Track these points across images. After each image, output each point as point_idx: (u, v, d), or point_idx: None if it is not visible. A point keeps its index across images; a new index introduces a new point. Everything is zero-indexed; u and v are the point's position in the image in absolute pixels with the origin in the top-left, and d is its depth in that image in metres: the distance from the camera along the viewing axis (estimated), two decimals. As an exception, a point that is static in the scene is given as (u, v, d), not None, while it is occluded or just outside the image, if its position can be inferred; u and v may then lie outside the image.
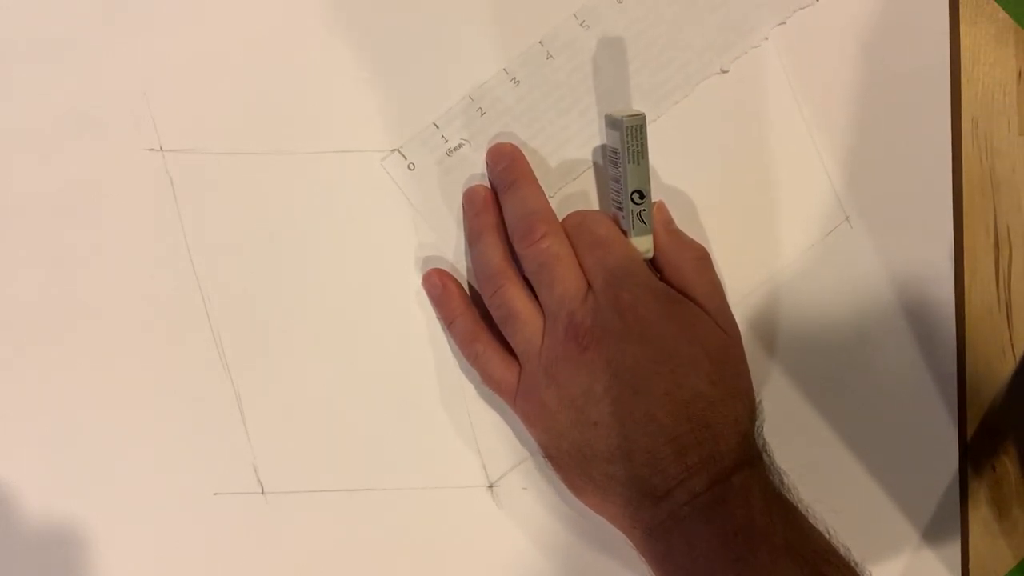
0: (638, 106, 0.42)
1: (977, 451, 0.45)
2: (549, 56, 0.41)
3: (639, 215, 0.39)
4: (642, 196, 0.38)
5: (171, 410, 0.40)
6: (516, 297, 0.38)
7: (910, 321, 0.44)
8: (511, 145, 0.40)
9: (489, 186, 0.41)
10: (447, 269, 0.41)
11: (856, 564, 0.36)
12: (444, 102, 0.41)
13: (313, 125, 0.40)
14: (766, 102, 0.43)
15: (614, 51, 0.42)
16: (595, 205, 0.42)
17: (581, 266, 0.38)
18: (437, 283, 0.40)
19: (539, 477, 0.42)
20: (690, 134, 0.42)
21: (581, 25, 0.41)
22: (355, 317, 0.41)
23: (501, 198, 0.40)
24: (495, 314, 0.39)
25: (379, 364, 0.41)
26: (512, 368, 0.39)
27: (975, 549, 0.45)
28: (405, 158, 0.41)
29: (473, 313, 0.40)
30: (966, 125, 0.44)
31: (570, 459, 0.37)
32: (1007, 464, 0.46)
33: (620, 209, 0.39)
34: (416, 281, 0.41)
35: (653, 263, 0.40)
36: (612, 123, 0.39)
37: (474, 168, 0.41)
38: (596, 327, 0.36)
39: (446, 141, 0.41)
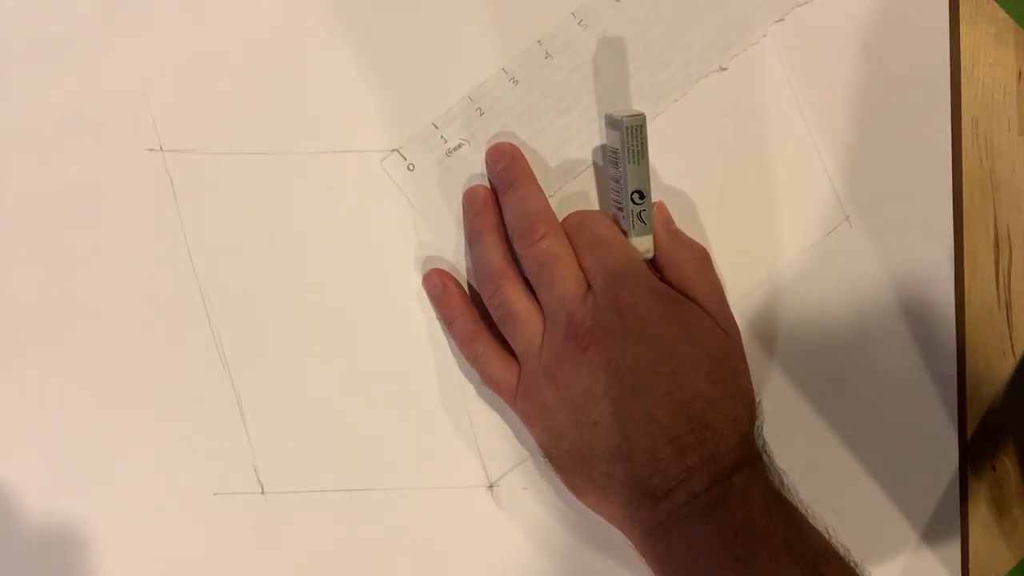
0: (637, 105, 0.42)
1: (977, 451, 0.45)
2: (548, 56, 0.41)
3: (639, 215, 0.39)
4: (642, 196, 0.38)
5: (171, 410, 0.40)
6: (516, 297, 0.38)
7: (910, 321, 0.44)
8: (511, 145, 0.40)
9: (489, 186, 0.41)
10: (447, 269, 0.41)
11: (856, 564, 0.36)
12: (443, 102, 0.41)
13: (313, 125, 0.40)
14: (765, 101, 0.43)
15: (613, 50, 0.42)
16: (595, 205, 0.42)
17: (581, 266, 0.38)
18: (437, 283, 0.40)
19: (539, 477, 0.42)
20: (690, 133, 0.42)
21: (580, 24, 0.41)
22: (355, 317, 0.41)
23: (501, 198, 0.40)
24: (495, 314, 0.39)
25: (379, 364, 0.41)
26: (512, 368, 0.39)
27: (975, 549, 0.45)
28: (405, 158, 0.41)
29: (473, 313, 0.40)
30: (966, 125, 0.44)
31: (570, 459, 0.37)
32: (1007, 464, 0.46)
33: (620, 209, 0.39)
34: (416, 281, 0.41)
35: (653, 263, 0.40)
36: (612, 123, 0.39)
37: (474, 168, 0.41)
38: (596, 327, 0.36)
39: (446, 141, 0.41)
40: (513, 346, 0.39)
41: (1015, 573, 0.46)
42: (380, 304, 0.41)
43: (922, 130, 0.44)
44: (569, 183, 0.42)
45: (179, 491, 0.40)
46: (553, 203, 0.40)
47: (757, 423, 0.38)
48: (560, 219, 0.39)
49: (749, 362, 0.39)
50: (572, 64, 0.41)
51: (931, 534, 0.45)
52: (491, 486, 0.42)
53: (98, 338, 0.39)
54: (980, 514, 0.45)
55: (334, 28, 0.40)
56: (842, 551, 0.36)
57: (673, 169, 0.42)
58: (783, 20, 0.43)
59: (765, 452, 0.37)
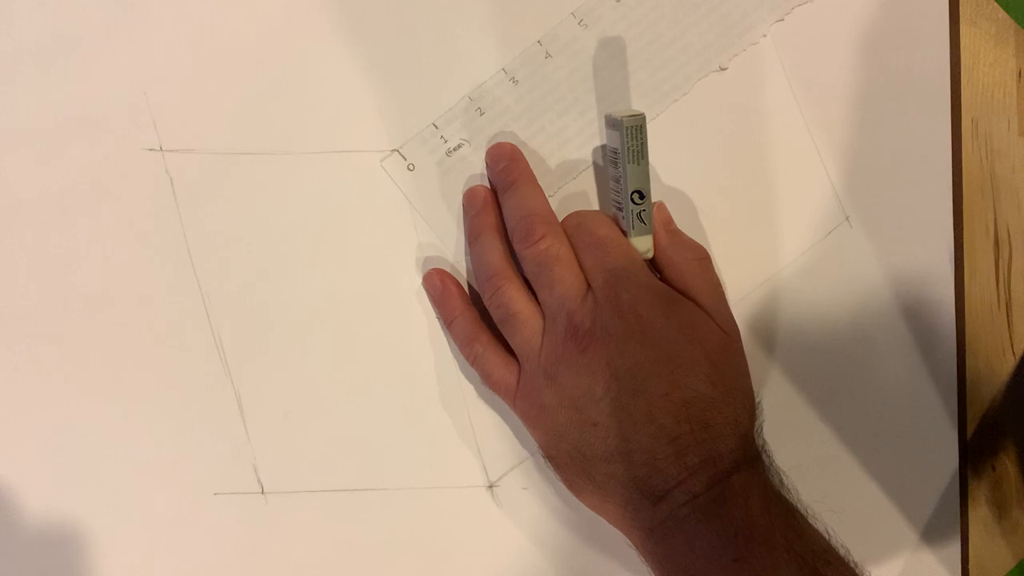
0: (637, 105, 0.42)
1: (977, 451, 0.45)
2: (548, 56, 0.41)
3: (639, 215, 0.39)
4: (642, 196, 0.38)
5: (171, 410, 0.40)
6: (515, 298, 0.38)
7: (910, 321, 0.44)
8: (510, 145, 0.40)
9: (489, 186, 0.41)
10: (447, 269, 0.41)
11: (856, 564, 0.36)
12: (444, 102, 0.41)
13: (313, 125, 0.40)
14: (765, 100, 0.43)
15: (613, 50, 0.42)
16: (595, 205, 0.42)
17: (581, 267, 0.38)
18: (437, 283, 0.40)
19: (539, 477, 0.42)
20: (690, 133, 0.42)
21: (580, 24, 0.41)
22: (355, 317, 0.41)
23: (501, 198, 0.40)
24: (494, 314, 0.39)
25: (379, 364, 0.41)
26: (512, 368, 0.39)
27: (975, 549, 0.45)
28: (405, 158, 0.41)
29: (473, 313, 0.40)
30: (966, 125, 0.44)
31: (570, 459, 0.37)
32: (1007, 464, 0.46)
33: (620, 209, 0.39)
34: (416, 281, 0.41)
35: (653, 263, 0.40)
36: (612, 123, 0.39)
37: (474, 168, 0.41)
38: (596, 328, 0.36)
39: (445, 141, 0.41)
40: (513, 346, 0.39)
41: (1015, 573, 0.46)
42: (380, 304, 0.41)
43: (922, 130, 0.44)
44: (569, 183, 0.42)
45: (179, 491, 0.40)
46: (553, 203, 0.40)
47: (757, 423, 0.38)
48: (560, 219, 0.39)
49: (749, 362, 0.39)
50: (572, 64, 0.41)
51: (931, 534, 0.45)
52: (491, 486, 0.42)
53: (98, 338, 0.39)
54: (980, 514, 0.45)
55: (334, 28, 0.40)
56: (842, 551, 0.36)
57: (673, 169, 0.42)
58: (783, 20, 0.43)
59: (765, 452, 0.37)
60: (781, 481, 0.37)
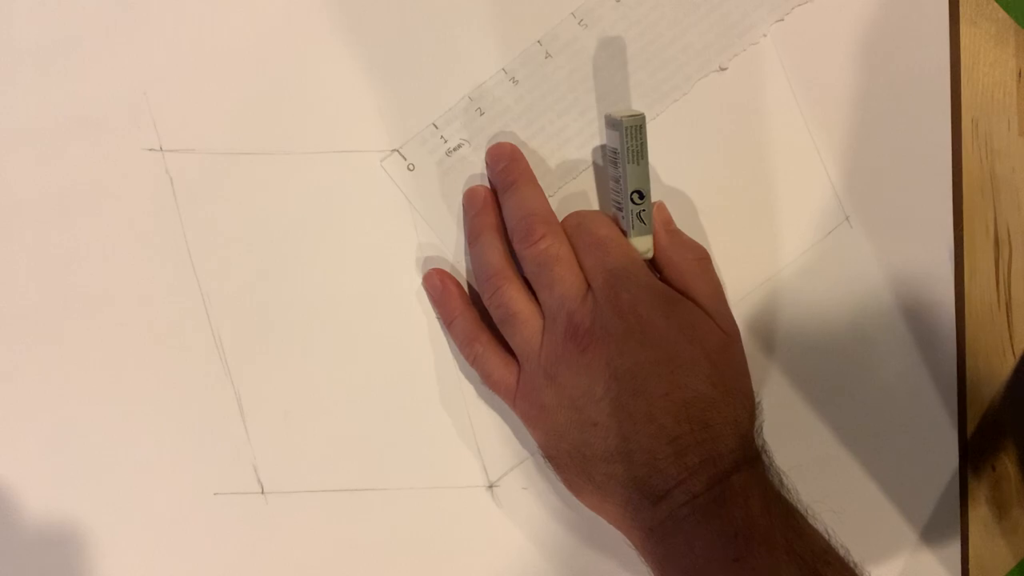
0: (637, 104, 0.42)
1: (977, 451, 0.45)
2: (548, 56, 0.41)
3: (639, 215, 0.39)
4: (642, 196, 0.38)
5: (171, 410, 0.40)
6: (515, 298, 0.38)
7: (910, 321, 0.44)
8: (510, 145, 0.40)
9: (489, 186, 0.41)
10: (447, 269, 0.41)
11: (855, 565, 0.36)
12: (444, 102, 0.41)
13: (313, 125, 0.40)
14: (765, 100, 0.43)
15: (613, 50, 0.42)
16: (595, 205, 0.42)
17: (581, 267, 0.38)
18: (437, 283, 0.40)
19: (539, 477, 0.42)
20: (690, 133, 0.42)
21: (580, 24, 0.41)
22: (355, 317, 0.41)
23: (501, 198, 0.40)
24: (494, 314, 0.39)
25: (379, 364, 0.41)
26: (511, 368, 0.39)
27: (975, 549, 0.45)
28: (405, 158, 0.41)
29: (473, 313, 0.40)
30: (966, 125, 0.44)
31: (570, 459, 0.37)
32: (1007, 464, 0.46)
33: (620, 209, 0.39)
34: (416, 281, 0.41)
35: (653, 263, 0.40)
36: (612, 123, 0.39)
37: (474, 168, 0.41)
38: (595, 328, 0.36)
39: (445, 141, 0.41)
40: (513, 346, 0.39)
41: (1015, 573, 0.46)
42: (380, 304, 0.41)
43: (922, 130, 0.44)
44: (569, 183, 0.42)
45: (179, 491, 0.40)
46: (553, 203, 0.40)
47: (757, 423, 0.38)
48: (560, 219, 0.39)
49: (749, 362, 0.39)
50: (572, 64, 0.41)
51: (931, 534, 0.45)
52: (491, 486, 0.42)
53: (98, 338, 0.39)
54: (980, 514, 0.45)
55: (334, 28, 0.40)
56: (842, 551, 0.36)
57: (673, 169, 0.42)
58: (783, 20, 0.43)
59: (765, 452, 0.37)
60: (781, 481, 0.37)
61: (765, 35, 0.43)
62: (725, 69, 0.43)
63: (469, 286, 0.41)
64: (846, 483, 0.44)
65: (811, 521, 0.36)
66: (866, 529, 0.44)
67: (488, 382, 0.40)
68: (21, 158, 0.39)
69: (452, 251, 0.41)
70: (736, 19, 0.42)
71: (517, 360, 0.39)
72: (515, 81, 0.41)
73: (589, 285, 0.37)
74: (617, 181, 0.39)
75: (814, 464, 0.43)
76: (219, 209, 0.40)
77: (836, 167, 0.43)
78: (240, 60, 0.39)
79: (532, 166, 0.40)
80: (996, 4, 0.44)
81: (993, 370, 0.45)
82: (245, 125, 0.40)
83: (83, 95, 0.39)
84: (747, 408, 0.37)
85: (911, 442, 0.44)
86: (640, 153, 0.38)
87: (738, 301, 0.43)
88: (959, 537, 0.45)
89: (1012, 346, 0.45)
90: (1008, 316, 0.45)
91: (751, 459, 0.36)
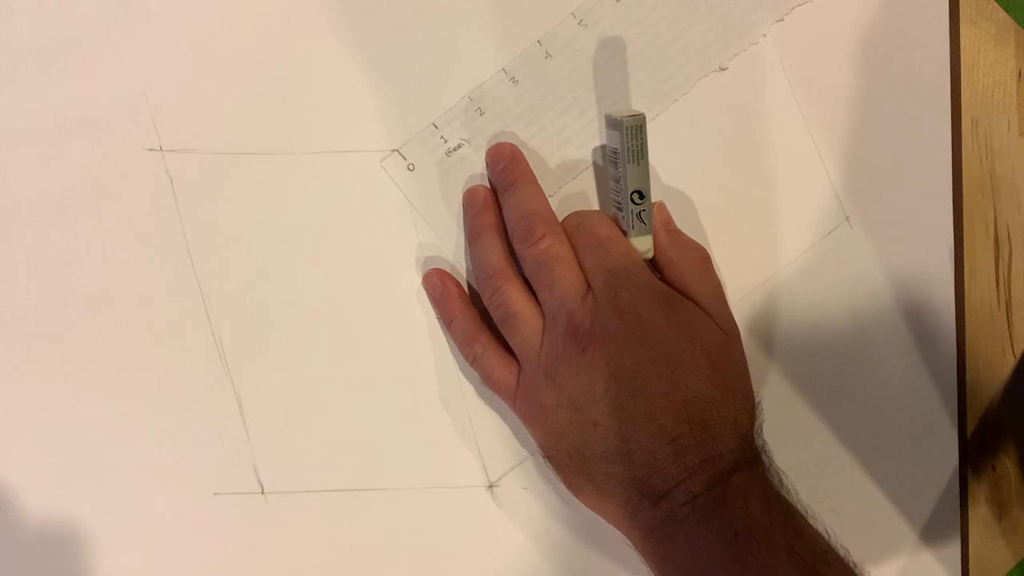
0: (637, 104, 0.42)
1: (977, 451, 0.45)
2: (548, 56, 0.41)
3: (639, 215, 0.39)
4: (642, 196, 0.38)
5: (171, 410, 0.40)
6: (515, 297, 0.38)
7: (910, 321, 0.44)
8: (511, 145, 0.40)
9: (489, 186, 0.41)
10: (447, 269, 0.41)
11: (855, 565, 0.36)
12: (444, 102, 0.41)
13: (313, 125, 0.40)
14: (765, 100, 0.43)
15: (613, 50, 0.42)
16: (595, 205, 0.42)
17: (581, 267, 0.38)
18: (437, 283, 0.40)
19: (539, 477, 0.42)
20: (690, 133, 0.42)
21: (580, 24, 0.41)
22: (355, 317, 0.41)
23: (501, 198, 0.40)
24: (494, 314, 0.39)
25: (379, 364, 0.41)
26: (511, 368, 0.39)
27: (975, 549, 0.45)
28: (405, 158, 0.41)
29: (473, 313, 0.40)
30: (966, 125, 0.44)
31: (569, 459, 0.37)
32: (1007, 464, 0.46)
33: (620, 209, 0.39)
34: (416, 281, 0.41)
35: (653, 263, 0.40)
36: (612, 123, 0.39)
37: (474, 168, 0.41)
38: (595, 328, 0.36)
39: (445, 141, 0.41)
40: (513, 346, 0.39)
41: (1015, 573, 0.46)
42: (380, 304, 0.41)
43: (922, 130, 0.44)
44: (569, 183, 0.42)
45: (179, 491, 0.40)
46: (553, 203, 0.40)
47: (757, 423, 0.38)
48: (560, 219, 0.39)
49: (749, 362, 0.39)
50: (572, 64, 0.41)
51: (931, 534, 0.45)
52: (491, 486, 0.42)
53: (98, 338, 0.39)
54: (980, 514, 0.45)
55: (334, 28, 0.40)
56: (842, 551, 0.36)
57: (673, 169, 0.42)
58: (783, 20, 0.43)
59: (765, 452, 0.37)
60: (781, 481, 0.37)
61: (765, 35, 0.43)
62: (725, 69, 0.43)
63: (469, 286, 0.41)
64: (846, 483, 0.44)
65: (811, 521, 0.36)
66: (866, 529, 0.44)
67: (488, 382, 0.40)
68: (21, 158, 0.39)
69: (452, 251, 0.41)
70: (736, 19, 0.42)
71: (517, 360, 0.39)
72: (515, 81, 0.41)
73: (589, 285, 0.37)
74: (617, 181, 0.39)
75: (814, 464, 0.43)
76: (219, 209, 0.40)
77: (836, 167, 0.43)
78: (240, 60, 0.39)
79: (532, 166, 0.40)
80: (996, 4, 0.44)
81: (993, 370, 0.45)
82: (245, 125, 0.40)
83: (83, 95, 0.39)
84: (747, 408, 0.37)
85: (911, 442, 0.44)
86: (640, 153, 0.38)
87: (738, 301, 0.43)
88: (959, 537, 0.45)
89: (1012, 346, 0.45)
90: (1008, 316, 0.45)
91: (751, 459, 0.36)
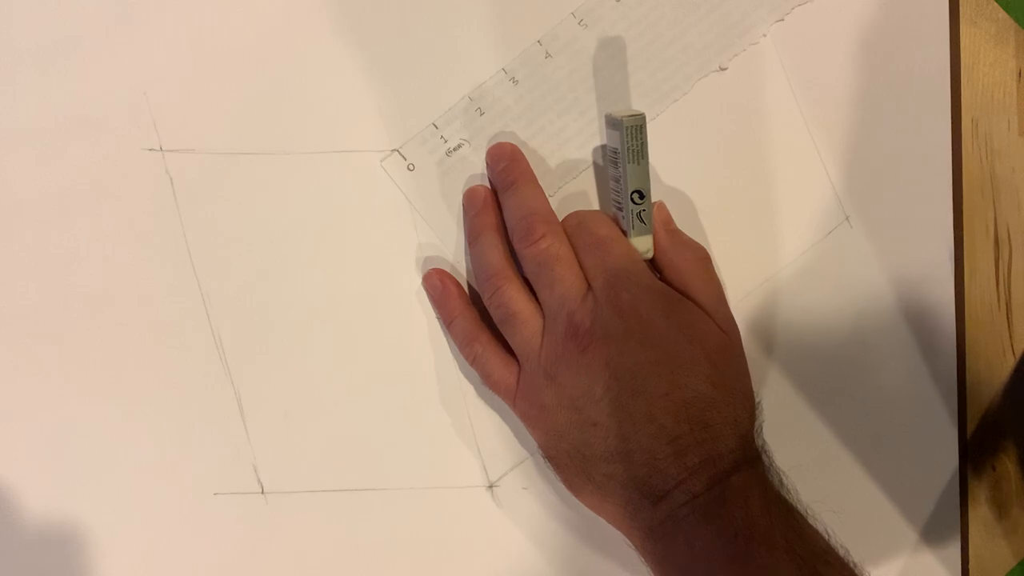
0: (637, 105, 0.42)
1: (977, 451, 0.45)
2: (548, 56, 0.41)
3: (639, 215, 0.39)
4: (642, 196, 0.38)
5: (171, 410, 0.40)
6: (515, 297, 0.38)
7: (910, 321, 0.44)
8: (511, 145, 0.40)
9: (489, 186, 0.41)
10: (447, 269, 0.41)
11: (855, 565, 0.36)
12: (444, 102, 0.41)
13: (313, 125, 0.40)
14: (765, 100, 0.43)
15: (613, 50, 0.42)
16: (595, 205, 0.42)
17: (581, 266, 0.38)
18: (437, 283, 0.40)
19: (539, 477, 0.42)
20: (689, 133, 0.42)
21: (580, 24, 0.41)
22: (355, 317, 0.41)
23: (501, 198, 0.40)
24: (494, 314, 0.39)
25: (379, 364, 0.41)
26: (511, 368, 0.39)
27: (975, 549, 0.45)
28: (405, 158, 0.41)
29: (473, 313, 0.40)
30: (966, 125, 0.44)
31: (569, 459, 0.37)
32: (1007, 464, 0.46)
33: (620, 209, 0.39)
34: (416, 281, 0.41)
35: (653, 263, 0.39)
36: (612, 123, 0.39)
37: (474, 168, 0.41)
38: (595, 328, 0.36)
39: (445, 141, 0.41)
40: (513, 346, 0.39)
41: (1015, 573, 0.46)
42: (380, 304, 0.41)
43: (922, 130, 0.44)
44: (569, 183, 0.42)
45: (179, 491, 0.40)
46: (553, 203, 0.40)
47: (757, 423, 0.38)
48: (560, 219, 0.39)
49: (749, 362, 0.39)
50: (572, 64, 0.41)
51: (931, 534, 0.45)
52: (491, 486, 0.42)
53: (98, 338, 0.39)
54: (980, 514, 0.45)
55: (334, 28, 0.40)
56: (842, 552, 0.36)
57: (673, 169, 0.42)
58: (783, 20, 0.43)
59: (765, 452, 0.37)
60: (781, 481, 0.37)
61: (765, 35, 0.43)
62: (725, 69, 0.43)
63: (469, 286, 0.41)
64: (846, 483, 0.44)
65: (811, 521, 0.36)
66: (866, 529, 0.44)
67: (488, 382, 0.40)
68: (21, 158, 0.39)
69: (452, 251, 0.41)
70: (736, 19, 0.42)
71: (517, 360, 0.39)
72: (515, 81, 0.41)
73: (589, 285, 0.37)
74: (617, 181, 0.39)
75: (814, 464, 0.43)
76: (219, 209, 0.40)
77: (836, 167, 0.43)
78: (240, 60, 0.39)
79: (532, 166, 0.40)
80: (996, 4, 0.44)
81: (993, 370, 0.45)
82: (245, 125, 0.40)
83: (83, 95, 0.39)
84: (747, 408, 0.37)
85: (911, 442, 0.44)
86: (640, 153, 0.38)
87: (738, 301, 0.43)
88: (959, 537, 0.45)
89: (1012, 346, 0.45)
90: (1008, 316, 0.45)
91: (751, 459, 0.36)
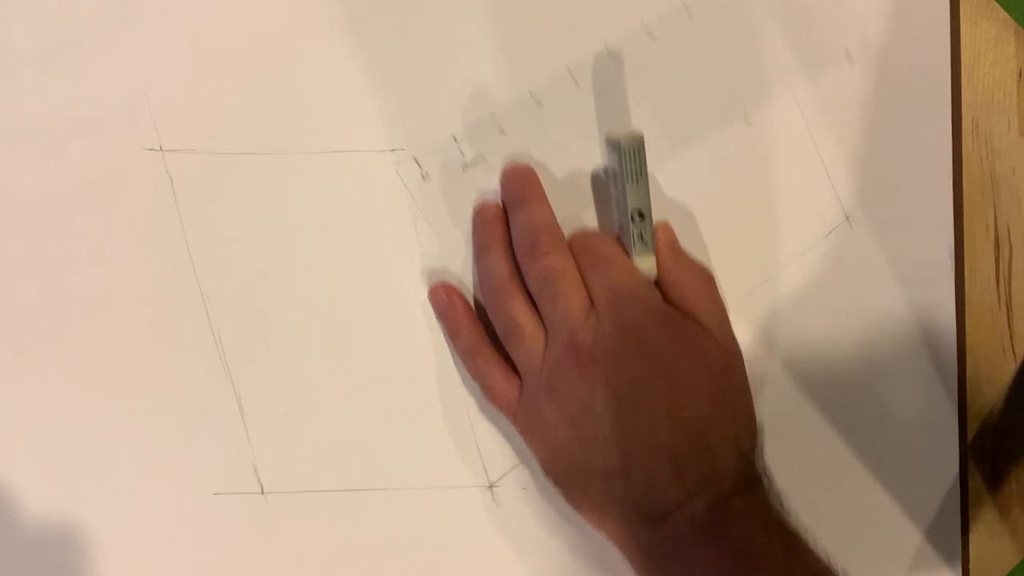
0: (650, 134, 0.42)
1: (978, 451, 0.45)
2: (576, 83, 0.41)
3: (639, 235, 0.38)
4: (642, 216, 0.38)
5: (171, 410, 0.40)
6: (519, 312, 0.38)
7: (910, 321, 0.44)
8: (526, 165, 0.40)
9: (500, 203, 0.40)
10: (453, 282, 0.41)
11: None
12: (466, 116, 0.40)
13: (313, 125, 0.40)
14: (765, 100, 0.43)
15: (640, 84, 0.41)
16: (604, 229, 0.42)
17: (585, 284, 0.38)
18: (443, 297, 0.40)
19: (539, 477, 0.42)
20: (690, 135, 0.42)
21: (610, 56, 0.41)
22: (355, 317, 0.41)
23: (510, 214, 0.40)
24: (498, 328, 0.39)
25: (379, 364, 0.41)
26: (513, 383, 0.39)
27: (976, 549, 0.45)
28: (420, 166, 0.40)
29: (477, 328, 0.40)
30: (966, 125, 0.44)
31: (569, 475, 0.37)
32: (1008, 464, 0.46)
33: (623, 229, 0.39)
34: (416, 281, 0.41)
35: (656, 284, 0.39)
36: (611, 144, 0.39)
37: (488, 184, 0.41)
38: (597, 345, 0.36)
39: (463, 155, 0.41)
40: (515, 360, 0.39)
41: (1017, 573, 0.46)
42: (380, 304, 0.41)
43: (922, 130, 0.44)
44: (580, 209, 0.41)
45: (179, 491, 0.40)
46: (563, 226, 0.40)
47: (758, 446, 0.37)
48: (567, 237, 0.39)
49: (748, 362, 0.39)
50: (598, 93, 0.41)
51: (932, 534, 0.45)
52: (491, 486, 0.42)
53: (98, 338, 0.39)
54: (981, 514, 0.45)
55: (335, 28, 0.40)
56: (840, 575, 0.36)
57: (674, 169, 0.42)
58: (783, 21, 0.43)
59: (765, 474, 0.37)
60: (780, 503, 0.37)
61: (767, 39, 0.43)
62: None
63: (475, 300, 0.41)
64: (847, 485, 0.44)
65: (810, 544, 0.36)
66: (868, 531, 0.44)
67: (489, 395, 0.40)
68: (21, 158, 0.38)
69: (459, 264, 0.41)
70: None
71: (519, 375, 0.39)
72: (540, 104, 0.41)
73: (593, 302, 0.37)
74: (619, 201, 0.39)
75: (815, 464, 0.43)
76: (219, 209, 0.40)
77: (836, 167, 0.43)
78: (240, 60, 0.39)
79: (546, 189, 0.40)
80: (996, 4, 0.44)
81: (993, 370, 0.45)
82: (245, 125, 0.40)
83: (83, 95, 0.39)
84: (748, 428, 0.37)
85: (912, 443, 0.44)
86: (639, 172, 0.38)
87: (738, 301, 0.43)
88: (960, 537, 0.45)
89: (1012, 346, 0.45)
90: (1008, 316, 0.45)
91: (751, 480, 0.36)
